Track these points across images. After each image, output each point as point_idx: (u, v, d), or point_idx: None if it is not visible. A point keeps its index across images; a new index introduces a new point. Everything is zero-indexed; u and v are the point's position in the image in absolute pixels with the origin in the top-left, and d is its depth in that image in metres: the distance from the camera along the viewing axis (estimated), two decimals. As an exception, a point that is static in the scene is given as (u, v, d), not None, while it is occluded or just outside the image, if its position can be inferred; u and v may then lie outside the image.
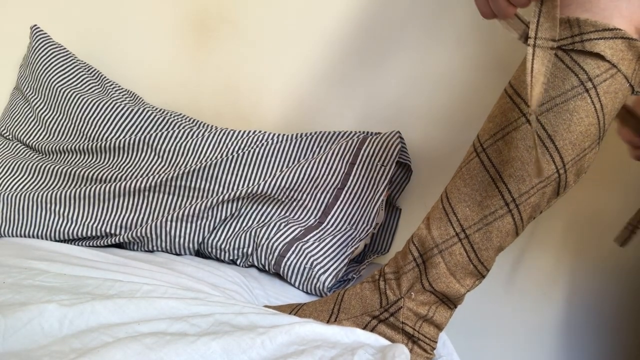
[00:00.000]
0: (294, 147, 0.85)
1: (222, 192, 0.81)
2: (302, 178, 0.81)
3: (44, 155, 0.92)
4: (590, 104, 0.51)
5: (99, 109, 0.89)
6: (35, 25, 0.98)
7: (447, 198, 0.58)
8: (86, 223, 0.81)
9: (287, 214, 0.83)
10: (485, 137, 0.56)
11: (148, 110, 0.90)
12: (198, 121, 0.95)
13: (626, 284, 0.86)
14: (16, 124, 0.95)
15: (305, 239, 0.78)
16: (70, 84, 0.93)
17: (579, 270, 0.88)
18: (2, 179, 0.88)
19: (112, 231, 0.81)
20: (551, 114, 0.52)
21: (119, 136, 0.88)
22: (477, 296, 0.90)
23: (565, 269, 0.88)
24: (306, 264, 0.75)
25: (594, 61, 0.50)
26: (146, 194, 0.82)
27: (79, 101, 0.90)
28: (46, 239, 0.82)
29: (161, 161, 0.86)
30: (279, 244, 0.77)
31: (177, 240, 0.80)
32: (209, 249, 0.82)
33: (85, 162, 0.88)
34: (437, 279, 0.57)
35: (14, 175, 0.88)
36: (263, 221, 0.82)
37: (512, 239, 0.57)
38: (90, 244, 0.83)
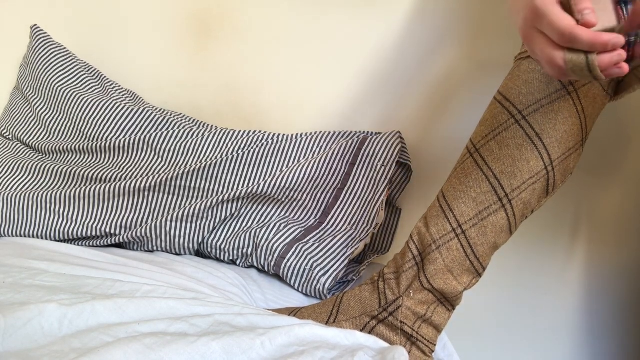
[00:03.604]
0: (294, 147, 0.85)
1: (222, 192, 0.81)
2: (302, 178, 0.81)
3: (44, 155, 0.92)
4: (573, 105, 0.56)
5: (99, 108, 0.89)
6: (35, 25, 0.98)
7: (444, 197, 0.60)
8: (86, 223, 0.82)
9: (287, 214, 0.83)
10: (478, 139, 0.60)
11: (148, 110, 0.90)
12: (198, 121, 0.95)
13: (636, 284, 0.86)
14: (16, 123, 0.95)
15: (305, 240, 0.78)
16: (71, 83, 0.93)
17: (584, 270, 0.88)
18: (2, 179, 0.88)
19: (112, 231, 0.81)
20: (538, 114, 0.56)
21: (119, 136, 0.88)
22: (480, 297, 0.90)
23: (571, 269, 0.88)
24: (306, 265, 0.75)
25: None
26: (146, 194, 0.82)
27: (79, 101, 0.90)
28: (46, 239, 0.82)
29: (161, 161, 0.86)
30: (279, 245, 0.77)
31: (177, 240, 0.80)
32: (209, 249, 0.82)
33: (85, 162, 0.88)
34: (435, 275, 0.58)
35: (14, 175, 0.88)
36: (263, 221, 0.83)
37: (506, 236, 0.59)
38: (90, 244, 0.83)
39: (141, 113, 0.90)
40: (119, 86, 0.99)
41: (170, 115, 0.93)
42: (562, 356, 0.90)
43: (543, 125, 0.56)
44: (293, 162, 0.84)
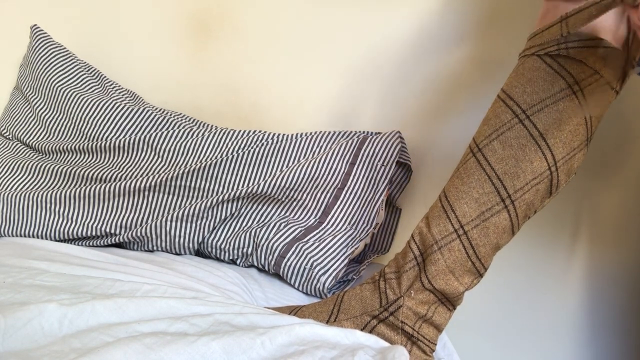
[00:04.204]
0: (294, 147, 0.85)
1: (222, 192, 0.81)
2: (302, 178, 0.81)
3: (44, 155, 0.92)
4: (578, 105, 0.55)
5: (99, 108, 0.89)
6: (35, 25, 0.98)
7: (446, 197, 0.60)
8: (86, 223, 0.81)
9: (287, 214, 0.83)
10: (481, 138, 0.59)
11: (148, 110, 0.90)
12: (198, 121, 0.94)
13: (637, 284, 0.86)
14: (16, 123, 0.95)
15: (305, 239, 0.78)
16: (71, 83, 0.93)
17: (585, 270, 0.88)
18: (2, 179, 0.88)
19: (112, 231, 0.81)
20: (542, 114, 0.55)
21: (119, 136, 0.88)
22: (480, 297, 0.90)
23: (575, 268, 0.88)
24: (306, 264, 0.75)
25: (578, 66, 0.55)
26: (146, 193, 0.82)
27: (79, 101, 0.90)
28: (46, 239, 0.82)
29: (161, 161, 0.86)
30: (279, 244, 0.77)
31: (177, 240, 0.80)
32: (209, 249, 0.82)
33: (85, 161, 0.88)
34: (436, 276, 0.58)
35: (14, 175, 0.88)
36: (263, 221, 0.82)
37: (508, 236, 0.58)
38: (90, 243, 0.83)
39: (141, 113, 0.90)
40: (119, 86, 0.99)
41: (170, 115, 0.93)
42: (562, 356, 0.90)
43: (547, 126, 0.55)
44: (293, 162, 0.84)
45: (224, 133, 0.87)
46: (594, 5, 0.49)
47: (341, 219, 0.81)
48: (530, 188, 0.56)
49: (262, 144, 0.84)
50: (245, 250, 0.80)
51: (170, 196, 0.82)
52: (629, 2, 0.45)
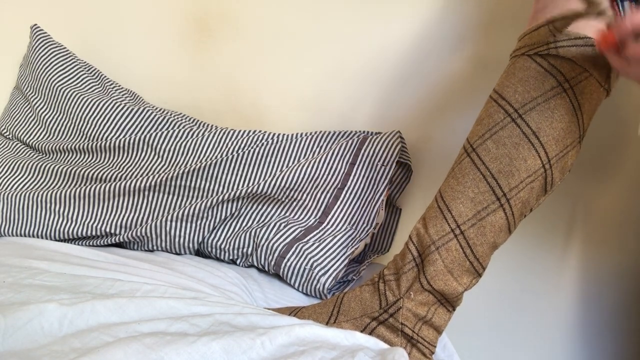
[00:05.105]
0: (294, 147, 0.85)
1: (222, 192, 0.81)
2: (302, 178, 0.81)
3: (44, 155, 0.92)
4: (569, 103, 0.56)
5: (99, 108, 0.89)
6: (36, 24, 0.98)
7: (442, 197, 0.60)
8: (86, 222, 0.81)
9: (287, 214, 0.83)
10: (475, 138, 0.59)
11: (148, 110, 0.90)
12: (198, 121, 0.95)
13: (631, 284, 0.86)
14: (16, 123, 0.95)
15: (305, 239, 0.78)
16: (71, 83, 0.93)
17: (583, 270, 0.88)
18: (2, 179, 0.88)
19: (112, 231, 0.81)
20: (534, 112, 0.56)
21: (119, 136, 0.88)
22: (479, 296, 0.90)
23: (569, 269, 0.88)
24: (306, 265, 0.75)
25: (568, 65, 0.56)
26: (146, 193, 0.82)
27: (79, 100, 0.90)
28: (46, 239, 0.82)
29: (161, 161, 0.86)
30: (279, 244, 0.77)
31: (177, 239, 0.80)
32: (209, 249, 0.82)
33: (85, 161, 0.88)
34: (435, 277, 0.58)
35: (14, 174, 0.88)
36: (263, 221, 0.83)
37: (505, 235, 0.59)
38: (90, 243, 0.83)
39: (141, 113, 0.90)
40: (119, 86, 0.99)
41: (170, 115, 0.93)
42: (561, 356, 0.90)
43: (539, 124, 0.55)
44: (293, 162, 0.84)
45: (224, 133, 0.87)
46: (574, 13, 0.50)
47: (341, 219, 0.81)
48: (525, 186, 0.56)
49: (262, 144, 0.84)
50: (245, 250, 0.80)
51: (170, 196, 0.82)
52: (592, 13, 0.46)
